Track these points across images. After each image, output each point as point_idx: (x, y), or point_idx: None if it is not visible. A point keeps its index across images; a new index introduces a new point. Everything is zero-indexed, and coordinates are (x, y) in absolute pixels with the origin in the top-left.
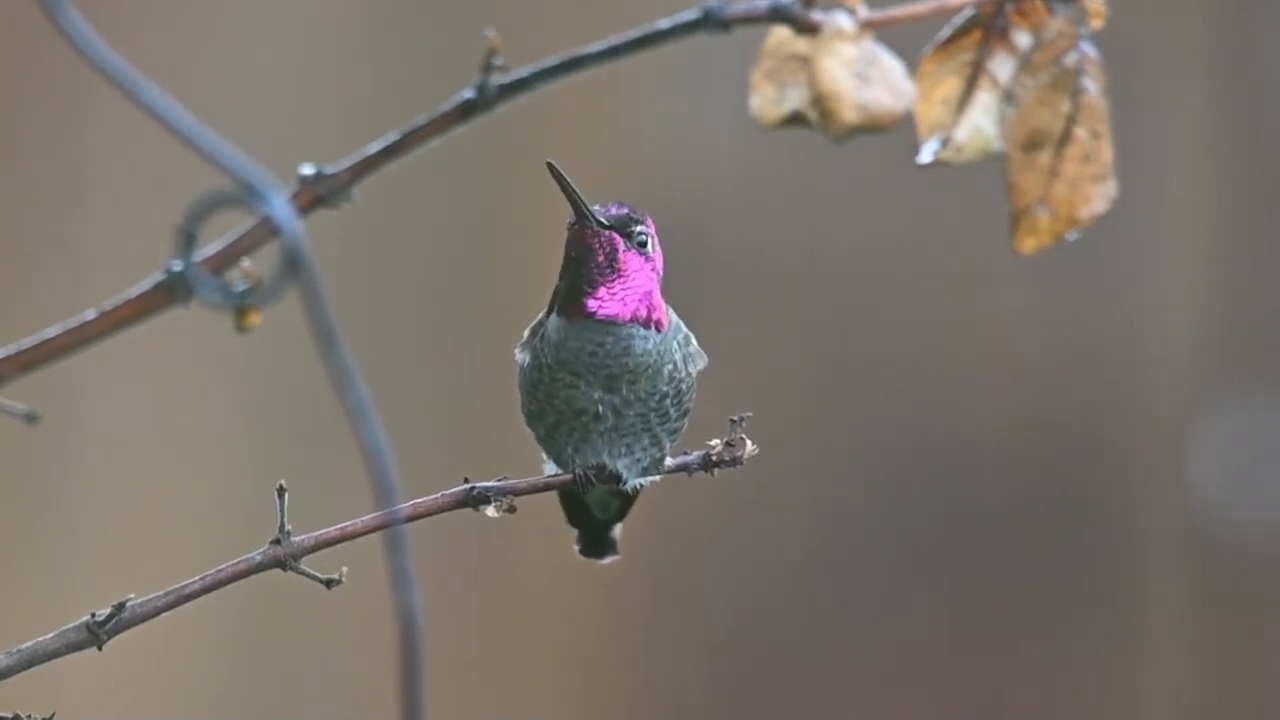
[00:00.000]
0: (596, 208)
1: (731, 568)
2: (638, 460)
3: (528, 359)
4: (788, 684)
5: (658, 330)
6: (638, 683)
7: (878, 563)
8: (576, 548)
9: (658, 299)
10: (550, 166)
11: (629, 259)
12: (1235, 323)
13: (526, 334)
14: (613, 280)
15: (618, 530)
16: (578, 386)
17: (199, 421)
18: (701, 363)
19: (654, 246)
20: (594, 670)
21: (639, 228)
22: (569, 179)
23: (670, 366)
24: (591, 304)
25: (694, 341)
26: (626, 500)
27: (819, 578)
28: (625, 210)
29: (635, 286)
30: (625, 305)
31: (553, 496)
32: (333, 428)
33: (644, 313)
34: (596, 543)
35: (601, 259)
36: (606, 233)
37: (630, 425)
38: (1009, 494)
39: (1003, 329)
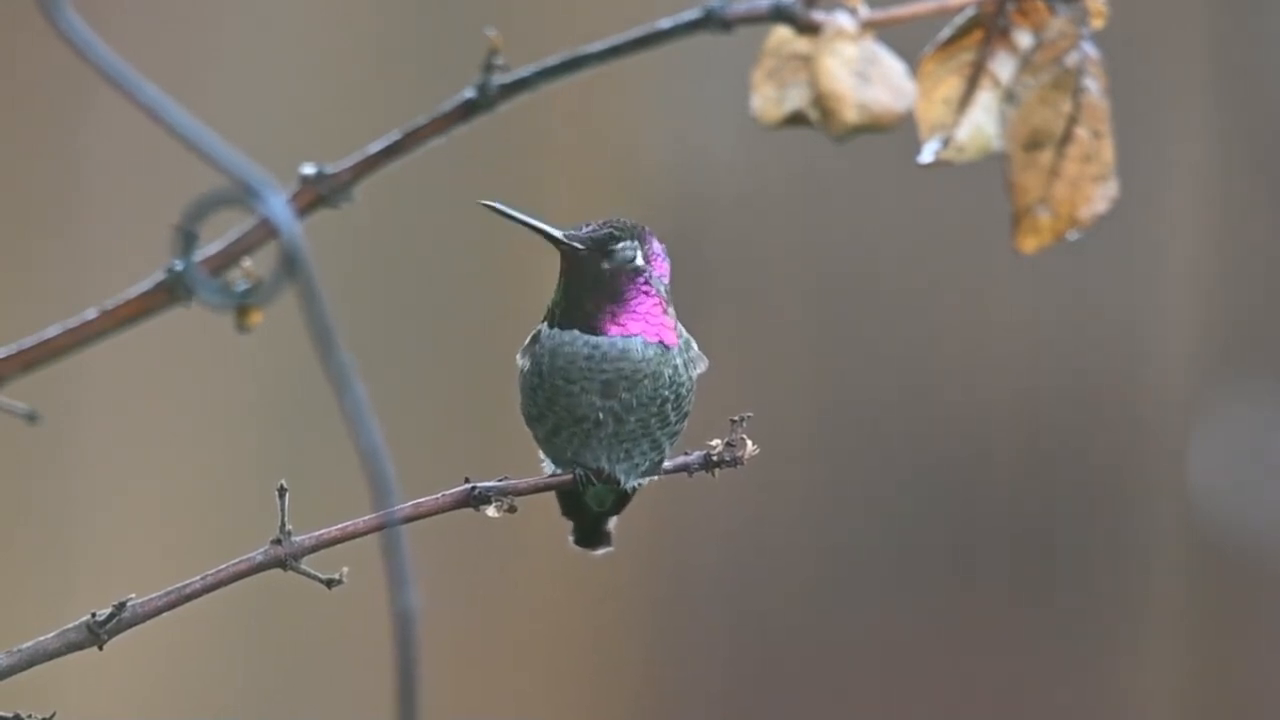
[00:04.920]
0: (584, 226)
1: (733, 569)
2: (636, 465)
3: (527, 364)
4: (790, 684)
5: (664, 347)
6: (639, 683)
7: (879, 561)
8: (570, 538)
9: (664, 320)
10: (490, 207)
11: (633, 291)
12: (1235, 323)
13: (528, 340)
14: (619, 312)
15: (612, 523)
16: (575, 394)
17: (199, 421)
18: (702, 366)
19: (645, 258)
20: (595, 671)
21: (621, 244)
22: (515, 211)
23: (671, 371)
24: (669, 334)
25: (695, 345)
26: (623, 496)
27: (821, 577)
28: (606, 229)
29: (641, 314)
30: (630, 331)
31: (554, 496)
32: (333, 428)
33: (653, 336)
34: (590, 534)
35: (608, 293)
36: (610, 267)
37: (630, 432)
38: (1009, 494)
39: (1003, 329)
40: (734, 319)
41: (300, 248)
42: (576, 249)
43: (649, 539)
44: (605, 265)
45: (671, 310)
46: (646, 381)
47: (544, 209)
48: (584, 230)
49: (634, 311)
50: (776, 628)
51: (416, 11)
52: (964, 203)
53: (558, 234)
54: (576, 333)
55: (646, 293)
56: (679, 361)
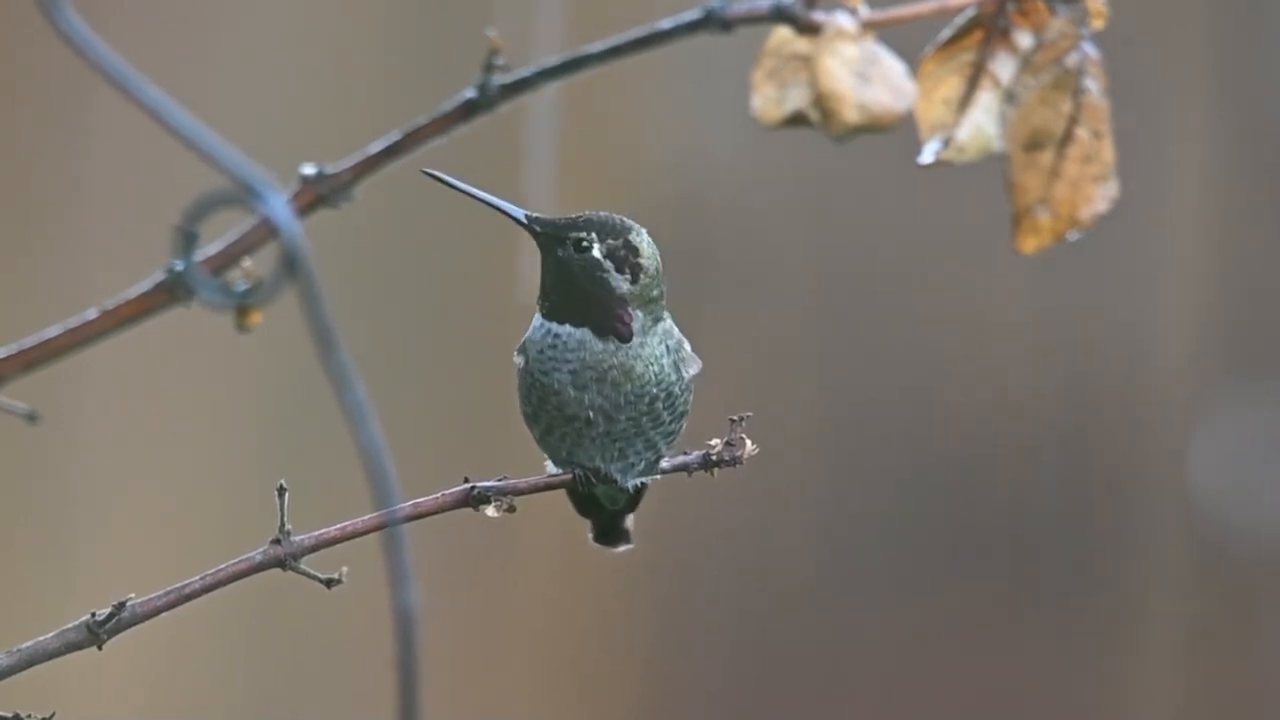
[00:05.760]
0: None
1: (733, 569)
2: (632, 464)
3: (522, 362)
4: (790, 684)
5: (616, 342)
6: (639, 682)
7: (879, 561)
8: (589, 535)
9: (620, 314)
10: (432, 175)
11: (590, 282)
12: (1236, 323)
13: (523, 338)
14: (579, 303)
15: (630, 520)
16: (556, 387)
17: (199, 421)
18: (695, 368)
19: (608, 252)
20: (596, 670)
21: (578, 234)
22: (463, 184)
23: (646, 368)
24: (623, 328)
25: (687, 346)
26: (635, 493)
27: (821, 577)
28: (572, 218)
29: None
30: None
31: (556, 496)
32: (333, 428)
33: (605, 330)
34: (609, 532)
35: (568, 282)
36: (564, 254)
37: (623, 431)
38: (1009, 494)
39: (1003, 329)
40: (734, 319)
41: (301, 248)
42: (534, 230)
43: (649, 539)
44: (560, 253)
45: (648, 310)
46: (614, 374)
47: (544, 208)
48: (563, 219)
49: (589, 303)
50: (776, 628)
51: (416, 11)
52: (964, 203)
53: (517, 212)
54: (544, 322)
55: (604, 285)
56: (666, 361)
